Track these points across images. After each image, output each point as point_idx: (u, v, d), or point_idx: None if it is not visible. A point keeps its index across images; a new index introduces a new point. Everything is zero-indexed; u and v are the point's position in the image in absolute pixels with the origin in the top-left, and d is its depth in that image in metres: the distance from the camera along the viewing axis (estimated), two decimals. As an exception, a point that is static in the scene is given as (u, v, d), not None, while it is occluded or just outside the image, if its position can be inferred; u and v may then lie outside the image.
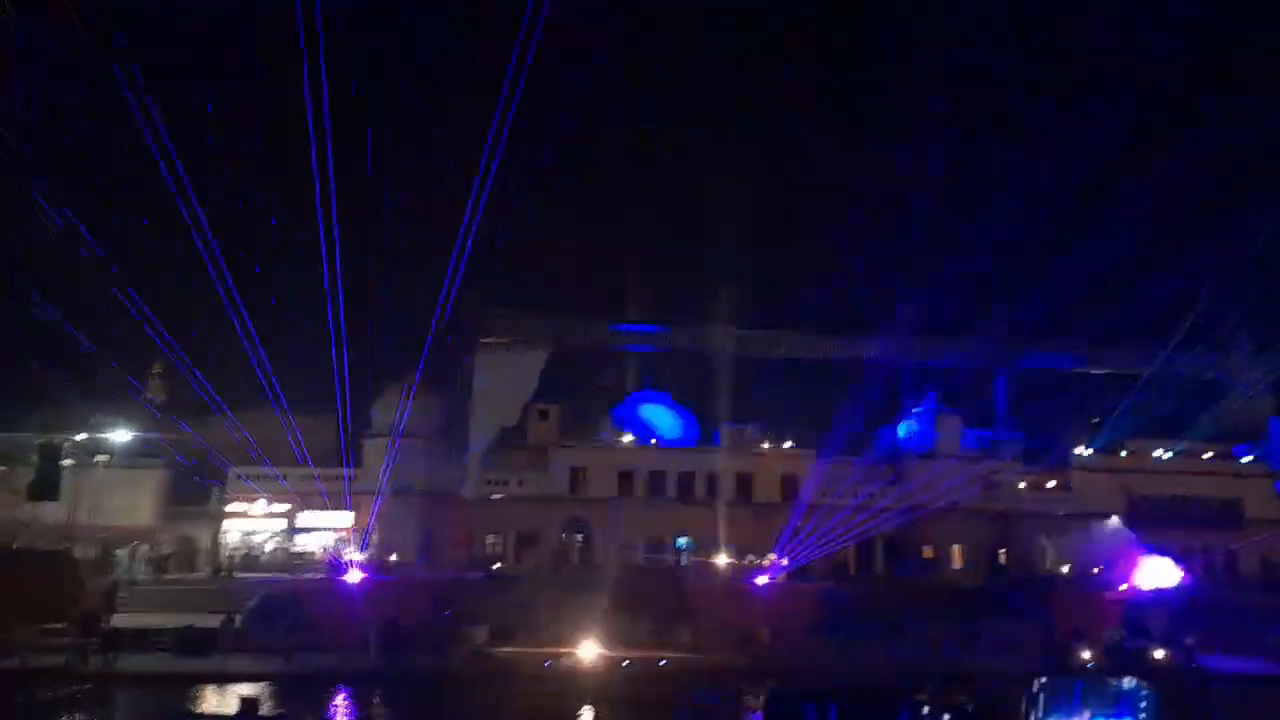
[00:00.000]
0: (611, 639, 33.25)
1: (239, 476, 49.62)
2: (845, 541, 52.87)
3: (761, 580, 44.77)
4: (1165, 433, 59.38)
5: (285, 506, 48.81)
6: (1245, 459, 60.95)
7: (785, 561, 47.14)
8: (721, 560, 49.54)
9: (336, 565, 42.62)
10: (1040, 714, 7.50)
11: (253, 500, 49.71)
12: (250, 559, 47.98)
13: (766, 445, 57.76)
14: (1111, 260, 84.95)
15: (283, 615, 36.01)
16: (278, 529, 49.32)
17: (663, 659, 32.67)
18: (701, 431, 61.30)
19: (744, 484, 56.15)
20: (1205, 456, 60.20)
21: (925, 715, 11.78)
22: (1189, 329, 56.23)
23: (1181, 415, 59.80)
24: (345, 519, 48.12)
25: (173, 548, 48.27)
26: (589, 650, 32.25)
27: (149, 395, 49.50)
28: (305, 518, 48.89)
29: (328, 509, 48.20)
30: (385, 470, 49.16)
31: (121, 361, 39.90)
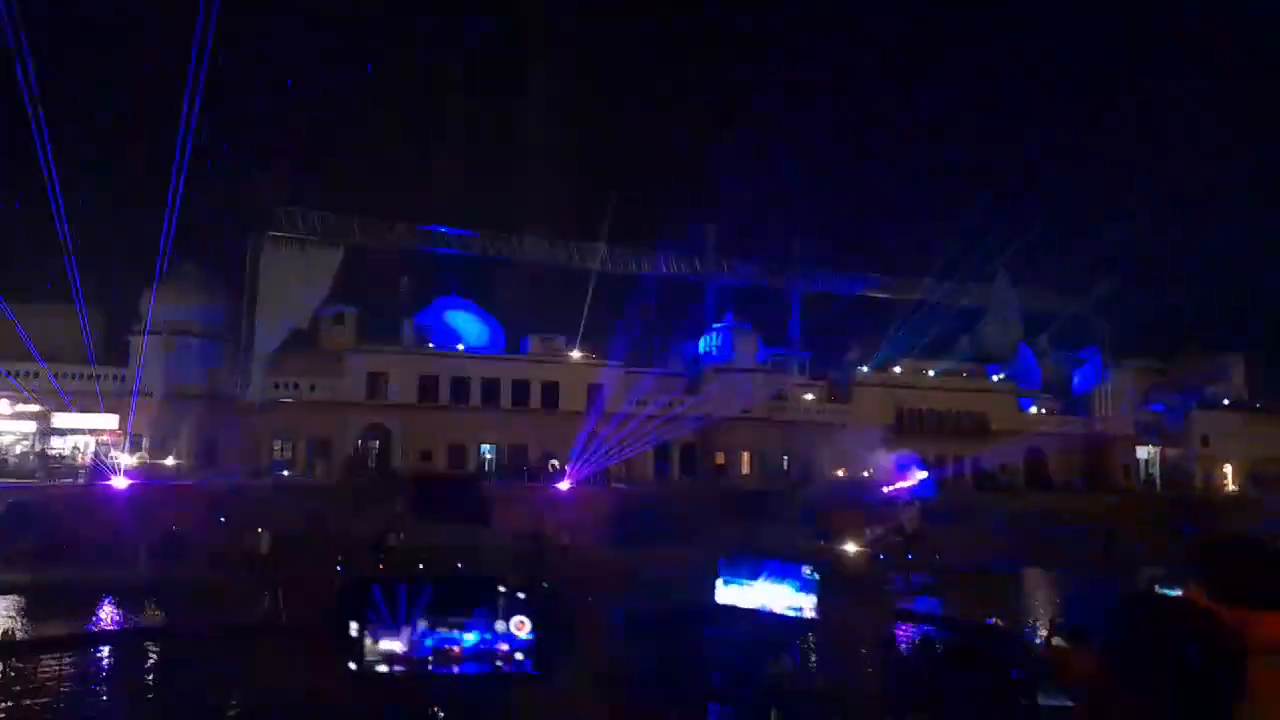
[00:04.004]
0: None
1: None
2: (644, 448, 54.84)
3: (563, 485, 45.69)
4: (931, 353, 65.66)
5: (36, 407, 43.85)
6: (995, 378, 68.70)
7: (580, 466, 48.32)
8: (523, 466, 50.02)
9: (100, 471, 39.11)
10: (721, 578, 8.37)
11: (-5, 400, 44.23)
12: (-7, 464, 42.95)
13: (574, 355, 58.22)
14: (897, 194, 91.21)
15: (36, 523, 32.86)
16: (28, 431, 44.32)
17: (458, 562, 32.79)
18: (508, 340, 60.82)
19: (550, 392, 56.51)
20: (963, 375, 67.31)
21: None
22: (956, 260, 61.70)
23: (946, 338, 66.46)
24: (109, 421, 43.98)
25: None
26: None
27: None
28: (62, 419, 44.16)
29: (89, 410, 43.80)
30: (158, 369, 45.19)
31: None
